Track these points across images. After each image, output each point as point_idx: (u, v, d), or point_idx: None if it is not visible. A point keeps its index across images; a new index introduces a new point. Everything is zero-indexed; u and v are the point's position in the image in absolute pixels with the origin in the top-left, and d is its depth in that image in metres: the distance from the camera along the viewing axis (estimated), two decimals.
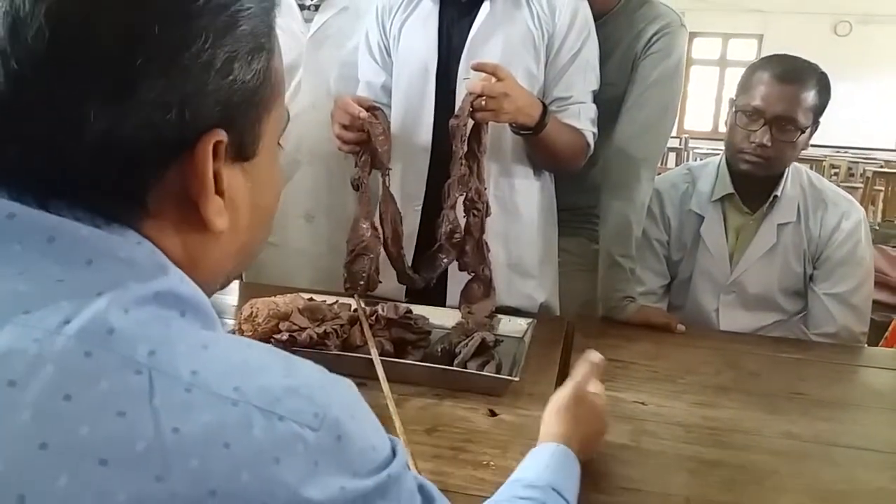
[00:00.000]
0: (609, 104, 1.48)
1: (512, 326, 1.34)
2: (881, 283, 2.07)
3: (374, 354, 1.09)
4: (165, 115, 0.42)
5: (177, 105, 0.42)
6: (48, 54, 0.39)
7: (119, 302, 0.40)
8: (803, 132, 1.42)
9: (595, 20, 1.43)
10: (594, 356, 0.92)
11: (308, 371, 0.44)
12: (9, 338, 0.37)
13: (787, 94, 1.40)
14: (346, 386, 0.46)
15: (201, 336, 0.42)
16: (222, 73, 0.44)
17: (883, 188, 5.90)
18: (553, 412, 0.84)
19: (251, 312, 1.14)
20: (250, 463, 0.38)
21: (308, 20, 1.55)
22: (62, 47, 0.39)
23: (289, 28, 1.55)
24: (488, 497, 0.71)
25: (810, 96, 1.41)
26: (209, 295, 0.48)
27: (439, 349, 1.17)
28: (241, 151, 0.48)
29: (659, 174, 1.61)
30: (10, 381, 0.36)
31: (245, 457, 0.38)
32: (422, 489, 0.50)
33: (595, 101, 1.43)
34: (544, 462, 0.75)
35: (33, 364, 0.37)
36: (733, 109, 1.48)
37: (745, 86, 1.46)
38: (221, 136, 0.45)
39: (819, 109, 1.43)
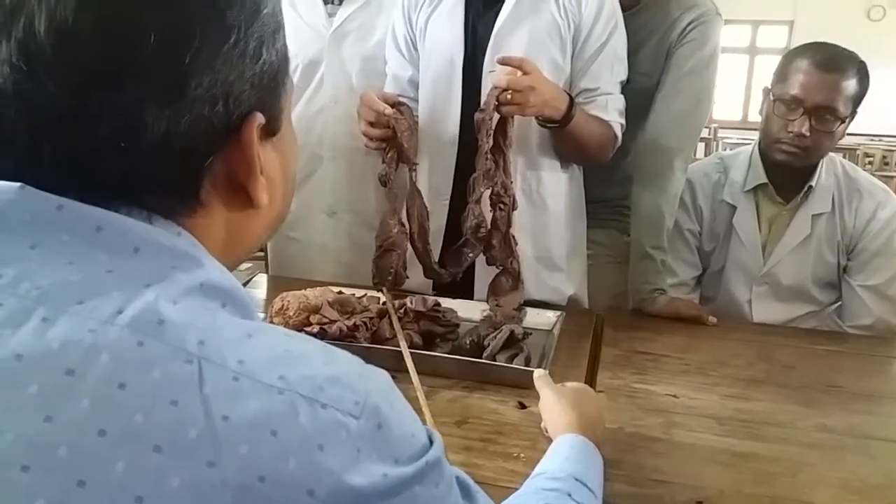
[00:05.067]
0: (643, 94, 1.47)
1: (541, 319, 1.34)
2: None
3: (404, 347, 1.10)
4: (214, 107, 0.44)
5: (222, 97, 0.44)
6: (102, 64, 0.40)
7: (167, 293, 0.41)
8: (842, 122, 1.39)
9: (628, 9, 1.42)
10: (538, 372, 0.98)
11: (346, 360, 0.45)
12: (65, 328, 0.38)
13: (828, 82, 1.37)
14: (383, 376, 0.47)
15: (245, 325, 0.43)
16: (255, 58, 0.46)
17: None
18: (548, 411, 0.90)
19: (282, 305, 1.16)
20: (296, 450, 0.39)
21: (331, 15, 1.56)
22: (114, 56, 0.40)
23: (312, 23, 1.56)
24: (519, 489, 0.71)
25: (851, 85, 1.37)
26: (241, 262, 0.49)
27: (468, 342, 1.18)
28: (271, 128, 0.50)
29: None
30: (68, 370, 0.37)
31: (291, 444, 0.39)
32: (458, 480, 0.51)
33: (628, 91, 1.41)
34: (564, 454, 0.76)
35: (89, 353, 0.38)
36: (770, 98, 1.45)
37: (782, 74, 1.43)
38: (260, 118, 0.47)
39: (858, 99, 1.40)
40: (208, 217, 0.47)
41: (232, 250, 0.50)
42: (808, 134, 1.38)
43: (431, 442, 0.47)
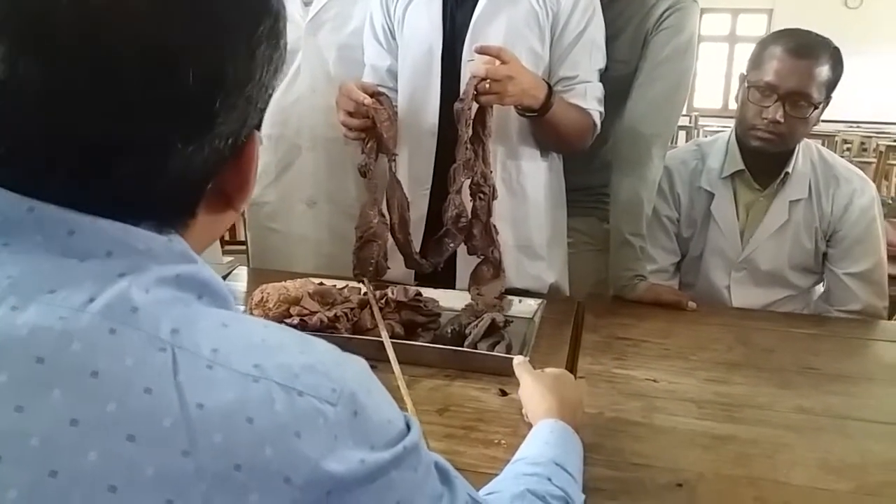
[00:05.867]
0: (620, 82, 1.47)
1: (522, 307, 1.34)
2: (894, 257, 2.05)
3: (385, 337, 1.10)
4: (228, 140, 0.45)
5: (237, 130, 0.45)
6: (140, 98, 0.40)
7: (140, 282, 0.41)
8: (816, 108, 1.41)
9: None
10: (517, 359, 1.00)
11: (322, 349, 0.46)
12: (35, 316, 0.38)
13: (801, 69, 1.38)
14: (360, 363, 0.47)
15: (220, 315, 0.43)
16: (268, 88, 0.47)
17: None
18: (528, 397, 0.91)
19: (262, 297, 1.16)
20: (273, 437, 0.39)
21: (307, 4, 1.55)
22: (153, 91, 0.40)
23: (288, 11, 1.54)
24: (499, 474, 0.71)
25: (824, 71, 1.39)
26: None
27: (449, 331, 1.18)
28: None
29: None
30: (38, 358, 0.37)
31: (268, 431, 0.39)
32: (437, 466, 0.52)
33: (606, 78, 1.42)
34: (544, 439, 0.77)
35: (60, 341, 0.37)
36: (745, 85, 1.46)
37: (756, 61, 1.44)
38: (259, 137, 0.49)
39: (832, 84, 1.41)
40: (193, 225, 0.47)
41: (202, 246, 0.50)
42: (782, 120, 1.39)
43: (409, 428, 0.47)
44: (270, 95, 0.49)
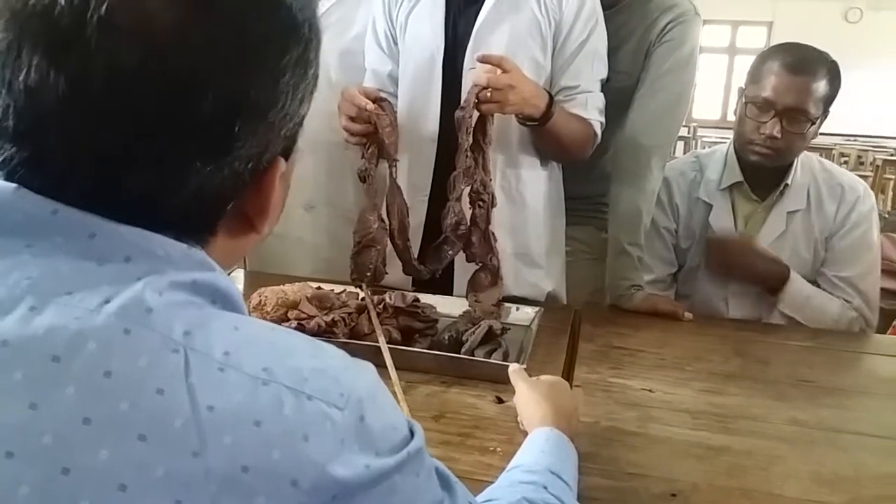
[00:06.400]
0: (622, 93, 1.48)
1: (519, 315, 1.35)
2: (889, 271, 2.06)
3: (382, 342, 1.10)
4: (248, 164, 0.45)
5: (258, 155, 0.46)
6: (157, 117, 0.41)
7: (154, 285, 0.41)
8: (814, 123, 1.41)
9: (609, 8, 1.43)
10: (513, 367, 1.00)
11: (332, 354, 0.46)
12: (52, 316, 0.39)
13: (798, 85, 1.38)
14: (369, 369, 0.48)
15: (232, 318, 0.44)
16: (293, 116, 0.48)
17: (893, 176, 5.84)
18: (523, 404, 0.91)
19: (260, 301, 1.16)
20: (281, 441, 0.40)
21: None
22: (171, 112, 0.41)
23: None
24: (495, 482, 0.72)
25: (821, 86, 1.39)
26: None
27: (446, 337, 1.18)
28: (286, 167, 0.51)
29: None
30: (54, 357, 0.37)
31: (276, 435, 0.40)
32: (438, 471, 0.52)
33: (607, 89, 1.42)
34: (539, 447, 0.77)
35: (75, 340, 0.38)
36: (743, 100, 1.47)
37: (754, 76, 1.45)
38: (283, 165, 0.49)
39: (829, 99, 1.42)
40: (213, 243, 0.48)
41: (224, 265, 0.51)
42: (779, 136, 1.40)
43: (412, 433, 0.48)
44: (298, 124, 0.49)
